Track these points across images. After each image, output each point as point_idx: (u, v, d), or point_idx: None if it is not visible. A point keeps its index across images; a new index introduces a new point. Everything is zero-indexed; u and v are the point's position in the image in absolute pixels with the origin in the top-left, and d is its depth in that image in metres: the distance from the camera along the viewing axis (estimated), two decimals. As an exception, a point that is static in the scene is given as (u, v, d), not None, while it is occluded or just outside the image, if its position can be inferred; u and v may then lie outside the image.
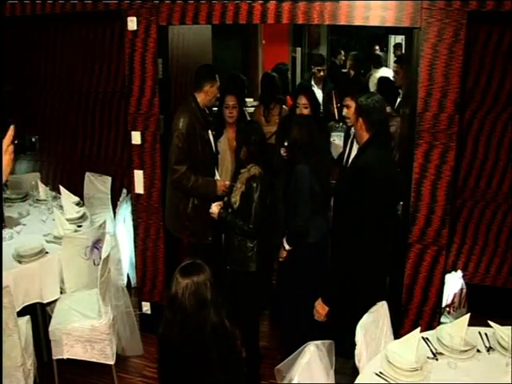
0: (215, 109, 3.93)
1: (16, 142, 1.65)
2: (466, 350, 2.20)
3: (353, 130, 3.16)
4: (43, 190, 3.99)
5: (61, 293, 3.17)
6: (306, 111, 3.48)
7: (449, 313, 3.68)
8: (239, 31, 7.39)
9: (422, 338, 2.32)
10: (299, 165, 2.95)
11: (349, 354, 2.34)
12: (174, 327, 1.91)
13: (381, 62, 6.90)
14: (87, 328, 2.95)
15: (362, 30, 9.24)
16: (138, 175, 3.52)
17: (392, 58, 7.94)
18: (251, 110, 5.03)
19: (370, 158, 2.67)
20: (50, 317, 3.11)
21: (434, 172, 2.90)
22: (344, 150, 3.37)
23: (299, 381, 1.91)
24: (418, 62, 2.82)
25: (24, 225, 3.53)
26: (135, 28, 3.30)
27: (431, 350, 2.26)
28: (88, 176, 4.34)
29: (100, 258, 3.08)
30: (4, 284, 2.51)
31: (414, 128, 2.89)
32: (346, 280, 2.62)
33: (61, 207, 3.67)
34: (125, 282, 3.89)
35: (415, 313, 3.09)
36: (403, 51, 8.77)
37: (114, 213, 4.16)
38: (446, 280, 3.16)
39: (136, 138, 3.47)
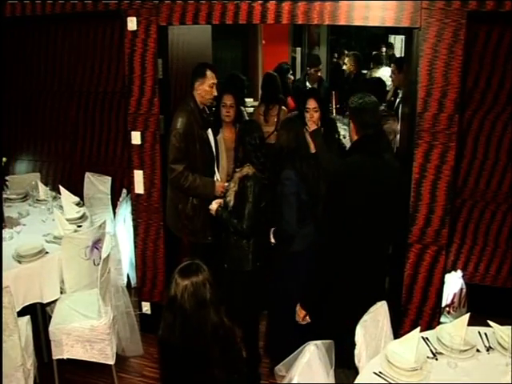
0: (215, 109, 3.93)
1: None
2: (465, 350, 2.20)
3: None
4: (43, 190, 3.99)
5: (61, 293, 3.17)
6: (316, 115, 3.32)
7: (448, 313, 3.68)
8: (239, 31, 7.40)
9: (422, 337, 2.31)
10: (285, 170, 2.92)
11: (345, 362, 2.31)
12: (174, 329, 1.90)
13: (381, 61, 6.91)
14: (87, 328, 2.95)
15: (361, 30, 9.27)
16: (138, 175, 3.52)
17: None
18: (251, 110, 5.03)
19: (348, 163, 2.57)
20: (50, 317, 3.11)
21: (433, 172, 2.90)
22: None
23: (299, 380, 1.91)
24: (418, 62, 2.82)
25: (24, 225, 3.52)
26: (135, 28, 3.31)
27: (431, 350, 2.26)
28: (88, 176, 4.33)
29: (100, 258, 3.08)
30: (4, 284, 2.51)
31: (414, 128, 2.89)
32: (320, 286, 2.57)
33: (61, 207, 3.67)
34: (125, 282, 3.89)
35: (415, 312, 3.09)
36: (394, 51, 8.87)
37: (114, 213, 4.15)
38: (445, 280, 3.16)
39: (136, 138, 3.48)
